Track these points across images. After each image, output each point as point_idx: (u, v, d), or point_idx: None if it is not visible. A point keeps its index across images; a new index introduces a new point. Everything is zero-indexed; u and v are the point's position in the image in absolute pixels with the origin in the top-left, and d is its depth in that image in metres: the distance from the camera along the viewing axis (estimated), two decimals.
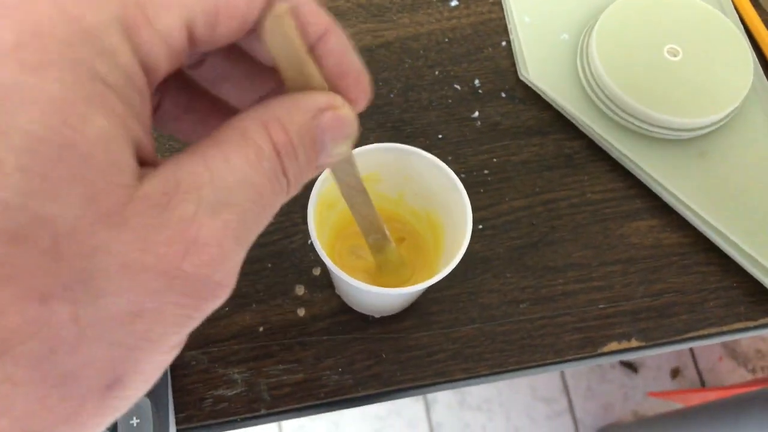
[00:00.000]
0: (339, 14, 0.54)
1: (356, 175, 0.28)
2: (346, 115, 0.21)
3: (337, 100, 0.21)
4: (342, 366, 0.43)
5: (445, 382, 0.43)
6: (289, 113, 0.19)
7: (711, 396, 1.19)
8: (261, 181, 0.18)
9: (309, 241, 0.46)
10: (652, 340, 0.45)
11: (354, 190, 0.29)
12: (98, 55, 0.15)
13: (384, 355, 0.43)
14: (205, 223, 0.17)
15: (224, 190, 0.17)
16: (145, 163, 0.17)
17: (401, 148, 0.38)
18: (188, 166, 0.17)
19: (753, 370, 1.35)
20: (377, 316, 0.44)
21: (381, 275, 0.39)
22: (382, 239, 0.35)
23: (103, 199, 0.15)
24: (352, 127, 0.21)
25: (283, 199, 0.19)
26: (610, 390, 1.34)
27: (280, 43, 0.19)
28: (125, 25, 0.16)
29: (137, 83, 0.16)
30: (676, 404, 1.27)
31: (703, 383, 1.35)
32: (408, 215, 0.43)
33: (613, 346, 0.45)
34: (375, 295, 0.36)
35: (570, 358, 0.44)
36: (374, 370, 0.43)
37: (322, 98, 0.20)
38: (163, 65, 0.17)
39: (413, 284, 0.36)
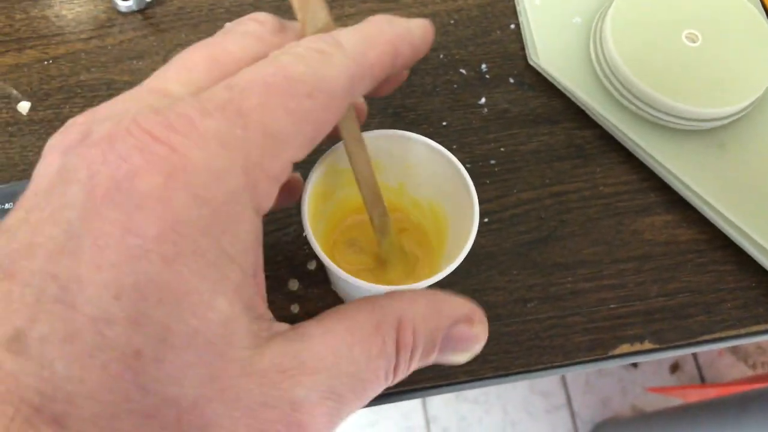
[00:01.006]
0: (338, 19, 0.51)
1: (359, 130, 0.28)
2: (479, 333, 0.24)
3: (477, 314, 0.24)
4: None
5: (447, 384, 0.41)
6: (429, 317, 0.22)
7: (711, 392, 1.17)
8: (371, 378, 0.19)
9: (304, 234, 0.43)
10: (665, 343, 0.43)
11: (358, 145, 0.29)
12: (225, 232, 0.17)
13: None
14: (310, 411, 0.18)
15: (338, 379, 0.18)
16: (259, 312, 0.19)
17: (404, 135, 0.36)
18: (314, 346, 0.18)
19: (753, 366, 1.34)
20: None
21: (384, 264, 0.37)
22: (384, 215, 0.33)
23: (220, 376, 0.17)
24: (479, 346, 0.24)
25: (382, 389, 0.21)
26: (608, 384, 1.32)
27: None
28: (249, 188, 0.18)
29: (255, 237, 0.18)
30: (676, 399, 1.26)
31: (702, 378, 1.33)
32: (410, 206, 0.41)
33: (625, 348, 0.42)
34: (375, 293, 0.34)
35: (579, 360, 0.42)
36: None
37: (465, 309, 0.23)
38: (273, 198, 0.19)
39: (417, 278, 0.34)
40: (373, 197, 0.31)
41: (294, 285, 0.42)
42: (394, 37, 0.22)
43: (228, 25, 0.22)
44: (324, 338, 0.19)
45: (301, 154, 0.19)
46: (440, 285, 0.42)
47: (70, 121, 0.19)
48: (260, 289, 0.19)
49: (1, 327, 0.15)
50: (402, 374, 0.21)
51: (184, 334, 0.16)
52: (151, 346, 0.16)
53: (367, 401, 0.20)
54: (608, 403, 1.30)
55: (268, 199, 0.19)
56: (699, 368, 1.34)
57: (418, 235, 0.41)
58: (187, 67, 0.20)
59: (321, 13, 0.22)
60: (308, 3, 0.21)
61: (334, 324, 0.20)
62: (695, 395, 1.20)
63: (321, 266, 0.42)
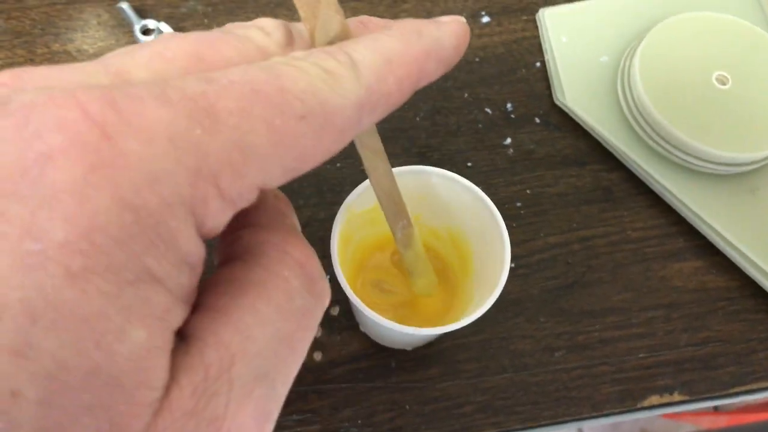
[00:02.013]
0: None
1: (378, 140, 0.25)
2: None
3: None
4: (362, 418, 0.39)
5: None
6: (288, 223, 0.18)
7: (723, 419, 1.16)
8: (291, 328, 0.16)
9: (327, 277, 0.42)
10: (696, 394, 0.42)
11: (377, 157, 0.25)
12: (152, 247, 0.13)
13: (407, 407, 0.40)
14: (237, 416, 0.15)
15: (258, 357, 0.15)
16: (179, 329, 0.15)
17: (417, 170, 0.36)
18: (214, 337, 0.15)
19: None
20: (409, 349, 0.41)
21: (410, 276, 0.37)
22: (408, 226, 0.31)
23: (126, 427, 0.13)
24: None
25: (315, 329, 0.18)
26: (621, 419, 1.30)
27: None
28: (191, 202, 0.14)
29: (192, 260, 0.14)
30: (688, 425, 1.24)
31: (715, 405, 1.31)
32: (428, 236, 0.40)
33: (655, 399, 0.41)
34: (407, 335, 0.34)
35: (608, 412, 0.41)
36: (396, 422, 0.39)
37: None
38: (226, 223, 0.15)
39: (445, 312, 0.33)
40: (395, 209, 0.29)
41: (317, 332, 0.41)
42: (421, 55, 0.18)
43: (229, 25, 0.18)
44: (219, 320, 0.15)
45: (273, 181, 0.15)
46: (464, 332, 0.42)
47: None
48: (190, 304, 0.16)
49: None
50: (321, 284, 0.17)
51: (81, 370, 0.12)
52: (36, 385, 0.12)
53: (302, 358, 0.17)
54: (619, 426, 1.29)
55: (215, 223, 0.15)
56: None
57: (441, 265, 0.41)
58: (164, 57, 0.16)
59: (334, 20, 0.18)
60: (318, 7, 0.18)
61: (227, 300, 0.16)
62: (708, 422, 1.18)
63: (344, 312, 0.41)
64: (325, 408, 0.39)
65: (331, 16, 0.18)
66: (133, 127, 0.13)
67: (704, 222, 0.45)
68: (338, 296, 0.42)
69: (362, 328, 0.41)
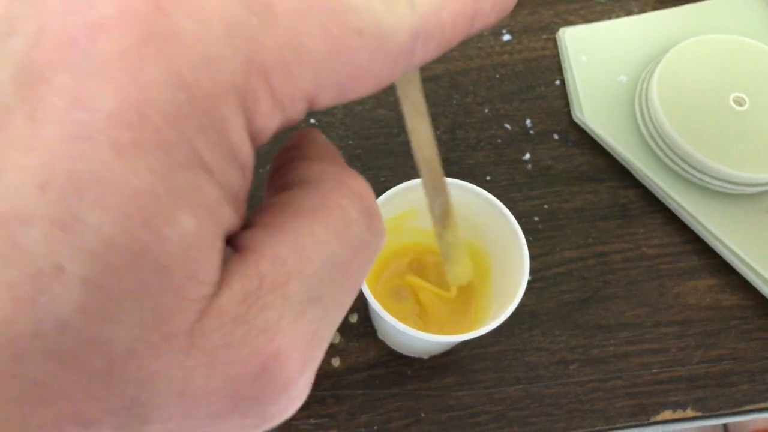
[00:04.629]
0: None
1: (423, 98, 0.23)
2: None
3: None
4: (378, 424, 0.40)
5: None
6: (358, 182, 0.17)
7: None
8: (348, 255, 0.15)
9: None
10: (708, 411, 0.42)
11: (419, 116, 0.24)
12: (203, 133, 0.13)
13: (423, 414, 0.40)
14: (289, 331, 0.14)
15: (312, 278, 0.14)
16: (231, 241, 0.14)
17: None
18: (271, 250, 0.14)
19: None
20: (426, 357, 0.42)
21: (446, 262, 0.35)
22: (447, 204, 0.29)
23: (171, 320, 0.12)
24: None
25: (372, 257, 0.17)
26: None
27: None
28: (243, 94, 0.13)
29: (242, 159, 0.14)
30: None
31: (725, 427, 1.31)
32: None
33: (667, 415, 0.42)
34: (425, 342, 0.35)
35: (621, 426, 0.41)
36: (411, 430, 0.40)
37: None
38: (273, 131, 0.14)
39: (463, 322, 0.34)
40: (435, 182, 0.28)
41: (335, 338, 0.42)
42: None
43: None
44: (276, 237, 0.15)
45: (322, 96, 0.15)
46: (481, 342, 0.42)
47: None
48: (242, 212, 0.15)
49: None
50: (379, 221, 0.17)
51: (127, 251, 0.12)
52: (80, 260, 0.11)
53: (356, 290, 0.16)
54: None
55: (264, 125, 0.14)
56: None
57: None
58: None
59: None
60: None
61: (284, 220, 0.15)
62: None
63: (362, 319, 0.42)
64: (342, 413, 0.40)
65: None
66: (189, 5, 0.12)
67: (719, 240, 0.45)
68: (357, 303, 0.43)
69: (380, 335, 0.42)
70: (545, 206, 0.47)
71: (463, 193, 0.37)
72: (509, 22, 0.53)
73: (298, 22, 0.13)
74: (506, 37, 0.53)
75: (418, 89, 0.23)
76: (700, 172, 0.46)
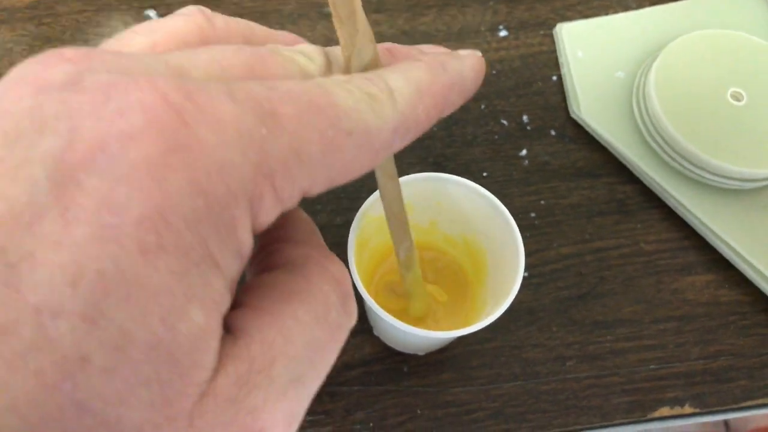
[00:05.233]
0: (382, 41, 0.51)
1: (393, 165, 0.26)
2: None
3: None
4: (374, 421, 0.40)
5: None
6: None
7: None
8: (325, 337, 0.17)
9: None
10: (706, 407, 0.42)
11: (390, 180, 0.27)
12: (216, 233, 0.14)
13: (419, 411, 0.40)
14: (272, 410, 0.16)
15: (294, 360, 0.16)
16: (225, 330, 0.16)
17: (434, 177, 0.37)
18: (260, 333, 0.16)
19: None
20: (422, 353, 0.42)
21: (408, 298, 0.38)
22: (411, 249, 0.33)
23: (176, 403, 0.14)
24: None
25: (344, 340, 0.19)
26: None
27: None
28: (251, 196, 0.15)
29: (244, 251, 0.15)
30: None
31: (726, 424, 1.30)
32: (442, 242, 0.41)
33: (665, 411, 0.42)
34: (421, 338, 0.35)
35: (617, 422, 0.41)
36: (408, 426, 0.40)
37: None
38: (270, 222, 0.16)
39: (459, 317, 0.34)
40: (400, 232, 0.31)
41: None
42: (446, 86, 0.20)
43: (271, 45, 0.19)
44: (265, 320, 0.16)
45: (315, 189, 0.16)
46: (477, 339, 0.42)
47: (54, 52, 0.15)
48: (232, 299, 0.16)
49: None
50: (353, 305, 0.19)
51: (145, 343, 0.13)
52: (103, 353, 0.12)
53: (328, 368, 0.18)
54: None
55: (265, 219, 0.15)
56: None
57: (454, 269, 0.41)
58: (221, 64, 0.17)
59: (368, 48, 0.20)
60: (356, 36, 0.19)
61: (271, 303, 0.17)
62: None
63: (358, 316, 0.42)
64: (338, 410, 0.40)
65: (366, 45, 0.19)
66: (207, 117, 0.14)
67: (717, 236, 0.45)
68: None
69: (375, 332, 0.42)
70: (542, 202, 0.46)
71: (459, 188, 0.37)
72: (506, 17, 0.53)
73: (300, 129, 0.15)
74: (503, 33, 0.52)
75: (390, 159, 0.26)
76: (698, 167, 0.45)
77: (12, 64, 0.49)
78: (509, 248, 0.36)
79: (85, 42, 0.50)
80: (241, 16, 0.51)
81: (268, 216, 0.15)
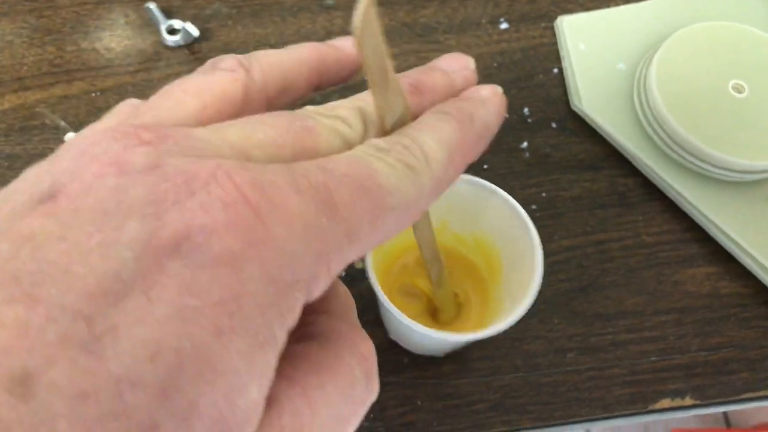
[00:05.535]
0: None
1: (429, 219, 0.28)
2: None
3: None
4: (374, 412, 0.40)
5: None
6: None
7: None
8: (349, 412, 0.18)
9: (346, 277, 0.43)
10: (707, 399, 0.42)
11: (423, 216, 0.29)
12: (280, 317, 0.15)
13: (419, 402, 0.40)
14: None
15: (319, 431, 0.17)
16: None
17: None
18: (291, 404, 0.17)
19: None
20: (440, 355, 0.42)
21: (439, 311, 0.38)
22: (442, 269, 0.34)
23: None
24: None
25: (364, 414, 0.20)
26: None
27: (369, 38, 0.19)
28: (310, 280, 0.16)
29: (294, 325, 0.16)
30: None
31: (727, 420, 1.30)
32: (453, 241, 0.41)
33: (666, 403, 0.42)
34: (444, 342, 0.35)
35: (619, 414, 0.41)
36: (408, 418, 0.40)
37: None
38: (319, 294, 0.17)
39: (469, 318, 0.34)
40: (433, 257, 0.32)
41: None
42: (474, 140, 0.21)
43: (309, 109, 0.20)
44: (295, 391, 0.17)
45: (355, 259, 0.18)
46: None
47: (130, 130, 0.16)
48: None
49: (9, 360, 0.12)
50: (376, 382, 0.20)
51: (209, 417, 0.14)
52: (172, 425, 0.13)
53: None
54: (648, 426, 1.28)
55: (317, 295, 0.17)
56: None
57: (466, 268, 0.41)
58: (276, 142, 0.18)
59: (399, 102, 0.21)
60: (387, 94, 0.20)
61: (302, 375, 0.18)
62: None
63: (368, 320, 0.42)
64: None
65: (397, 100, 0.20)
66: (279, 212, 0.15)
67: (718, 228, 0.45)
68: (354, 296, 0.42)
69: (392, 336, 0.42)
70: (543, 195, 0.46)
71: (469, 186, 0.36)
72: (507, 10, 0.53)
73: (353, 215, 0.17)
74: (504, 26, 0.52)
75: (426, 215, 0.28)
76: (699, 159, 0.45)
77: (13, 56, 0.50)
78: (523, 244, 0.35)
79: (85, 35, 0.50)
80: (241, 9, 0.51)
81: (320, 292, 0.17)
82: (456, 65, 0.24)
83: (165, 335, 0.13)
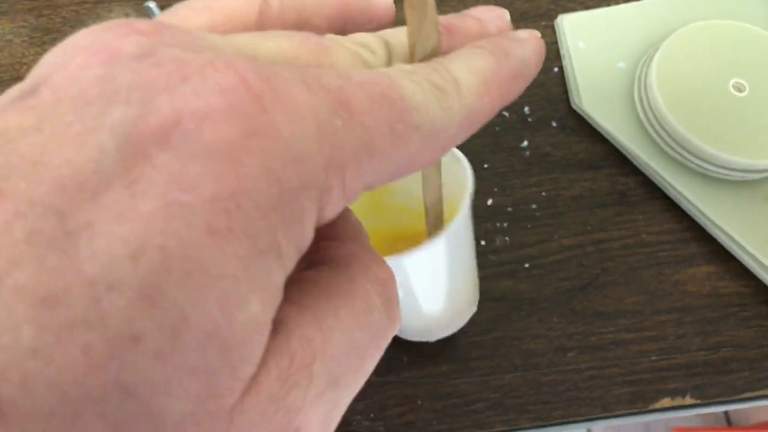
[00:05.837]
0: None
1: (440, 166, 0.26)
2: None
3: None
4: (374, 411, 0.40)
5: None
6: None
7: None
8: (366, 340, 0.16)
9: None
10: (707, 398, 0.42)
11: (435, 170, 0.27)
12: (284, 224, 0.13)
13: (419, 402, 0.40)
14: (309, 412, 0.15)
15: (333, 361, 0.15)
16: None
17: None
18: (300, 329, 0.15)
19: None
20: (432, 340, 0.41)
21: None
22: (439, 215, 0.32)
23: (221, 397, 0.13)
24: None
25: (384, 348, 0.18)
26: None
27: None
28: (321, 188, 0.14)
29: (305, 245, 0.14)
30: None
31: (728, 419, 1.30)
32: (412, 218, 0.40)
33: (666, 402, 0.42)
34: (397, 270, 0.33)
35: (618, 413, 0.41)
36: (408, 417, 0.40)
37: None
38: (333, 218, 0.16)
39: None
40: (436, 219, 0.31)
41: None
42: (509, 75, 0.19)
43: (332, 37, 0.18)
44: (305, 317, 0.15)
45: (376, 184, 0.16)
46: (478, 330, 0.42)
47: (124, 21, 0.14)
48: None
49: None
50: (397, 309, 0.18)
51: (201, 329, 0.12)
52: (157, 334, 0.12)
53: (367, 375, 0.17)
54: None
55: (330, 215, 0.15)
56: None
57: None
58: (288, 54, 0.16)
59: (433, 35, 0.19)
60: (424, 23, 0.19)
61: (313, 300, 0.16)
62: None
63: None
64: None
65: (432, 32, 0.19)
66: (285, 105, 0.14)
67: (718, 227, 0.45)
68: None
69: None
70: (543, 193, 0.46)
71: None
72: (507, 8, 0.53)
73: (372, 121, 0.15)
74: None
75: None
76: (700, 158, 0.45)
77: (12, 55, 0.49)
78: (462, 181, 0.34)
79: None
80: None
81: (333, 211, 0.15)
82: (490, 14, 0.22)
83: (149, 233, 0.12)
